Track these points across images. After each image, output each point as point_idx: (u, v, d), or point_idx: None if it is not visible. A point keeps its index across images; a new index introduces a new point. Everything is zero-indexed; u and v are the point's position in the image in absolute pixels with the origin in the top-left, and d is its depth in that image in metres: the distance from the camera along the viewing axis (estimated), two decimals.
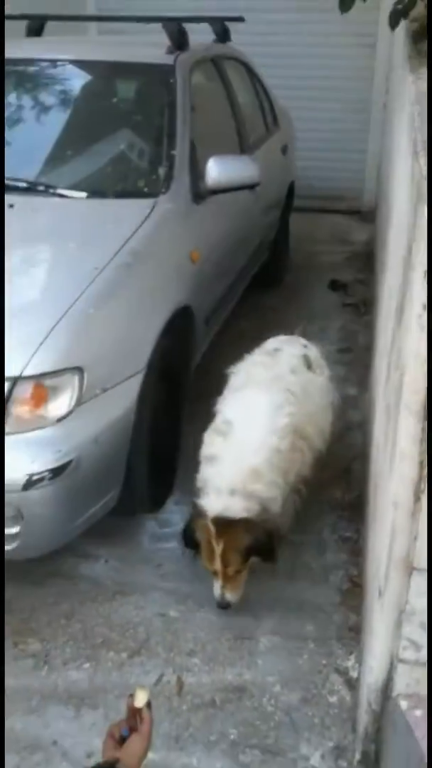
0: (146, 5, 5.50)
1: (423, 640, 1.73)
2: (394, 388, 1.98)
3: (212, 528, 2.43)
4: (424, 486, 1.62)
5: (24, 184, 3.26)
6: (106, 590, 2.74)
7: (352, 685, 2.37)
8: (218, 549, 2.43)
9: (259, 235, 4.63)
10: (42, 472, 2.34)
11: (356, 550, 2.95)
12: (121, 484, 2.76)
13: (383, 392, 2.42)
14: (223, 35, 4.75)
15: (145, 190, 3.32)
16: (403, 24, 2.90)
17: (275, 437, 2.58)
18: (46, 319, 2.49)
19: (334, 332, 4.84)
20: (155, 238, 3.06)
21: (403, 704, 1.79)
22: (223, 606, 2.54)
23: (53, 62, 3.85)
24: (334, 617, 2.65)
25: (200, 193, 3.46)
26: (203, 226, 3.49)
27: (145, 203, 3.19)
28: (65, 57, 3.88)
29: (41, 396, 2.40)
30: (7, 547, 2.43)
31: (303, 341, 3.24)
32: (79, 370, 2.46)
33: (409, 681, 1.80)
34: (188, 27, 3.98)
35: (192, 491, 2.62)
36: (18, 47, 4.09)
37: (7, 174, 3.29)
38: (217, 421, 2.71)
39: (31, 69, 3.85)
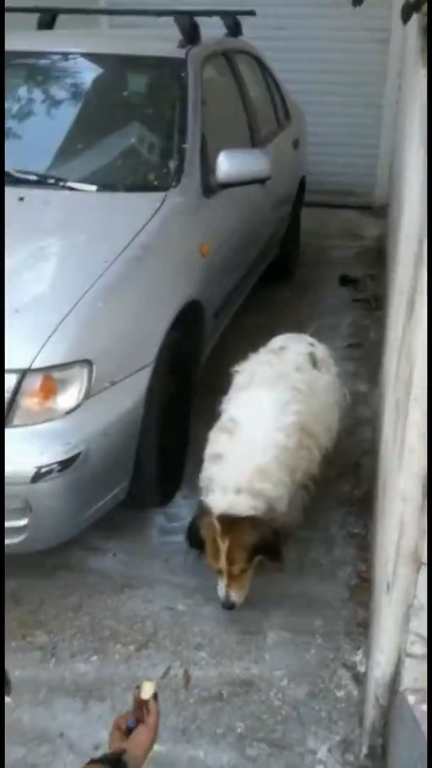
0: None
1: None
2: (404, 382, 1.97)
3: (217, 525, 2.40)
4: None
5: (34, 177, 3.26)
6: (114, 583, 2.74)
7: (360, 679, 2.36)
8: (223, 547, 2.40)
9: (269, 230, 4.62)
10: (51, 465, 2.35)
11: (365, 545, 2.94)
12: (130, 477, 2.76)
13: (393, 387, 2.41)
14: (234, 29, 4.74)
15: (156, 183, 3.32)
16: (415, 18, 2.87)
17: (282, 435, 2.57)
18: (56, 312, 2.49)
19: (344, 328, 4.83)
20: (165, 231, 3.06)
21: (411, 699, 1.79)
22: (228, 606, 2.49)
23: (64, 55, 3.84)
24: (342, 612, 2.65)
25: (211, 186, 3.46)
26: (213, 220, 3.48)
27: (155, 197, 3.18)
28: (76, 50, 3.87)
29: (50, 388, 2.40)
30: (15, 540, 2.44)
31: (310, 339, 3.22)
32: (88, 362, 2.46)
33: (416, 675, 1.79)
34: (200, 21, 3.96)
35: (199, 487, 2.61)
36: (29, 40, 4.10)
37: (18, 167, 3.30)
38: (223, 420, 2.69)
39: (42, 62, 3.85)
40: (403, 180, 3.45)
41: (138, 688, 1.55)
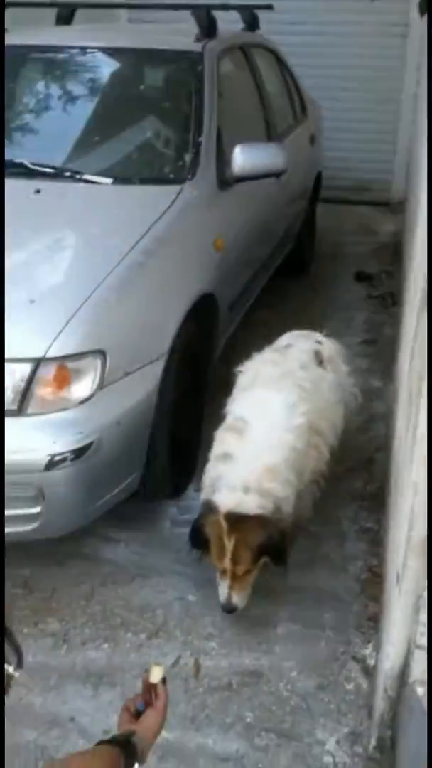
0: None
1: None
2: (417, 374, 1.97)
3: (224, 524, 2.36)
4: None
5: (51, 170, 3.28)
6: (127, 573, 2.76)
7: (369, 672, 2.36)
8: (229, 545, 2.36)
9: (284, 225, 4.62)
10: (64, 453, 2.36)
11: (376, 540, 2.94)
12: (142, 468, 2.78)
13: (407, 380, 2.40)
14: (251, 23, 4.74)
15: (171, 176, 3.33)
16: None
17: (292, 437, 2.54)
18: (70, 303, 2.51)
19: (358, 324, 4.82)
20: (180, 224, 3.07)
21: (420, 690, 1.79)
22: (229, 610, 2.42)
23: (81, 49, 3.86)
24: (352, 606, 2.65)
25: (226, 180, 3.46)
26: (228, 214, 3.49)
27: (170, 190, 3.19)
28: (94, 44, 3.88)
29: (64, 378, 2.42)
30: (28, 527, 2.46)
31: (318, 337, 3.18)
32: (101, 353, 2.47)
33: (425, 667, 1.79)
34: (218, 15, 3.97)
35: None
36: (47, 35, 4.12)
37: (35, 159, 3.31)
38: (229, 420, 2.66)
39: (60, 56, 3.86)
40: (420, 176, 3.44)
41: (147, 672, 1.56)
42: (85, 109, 3.72)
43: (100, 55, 3.88)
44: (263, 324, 4.10)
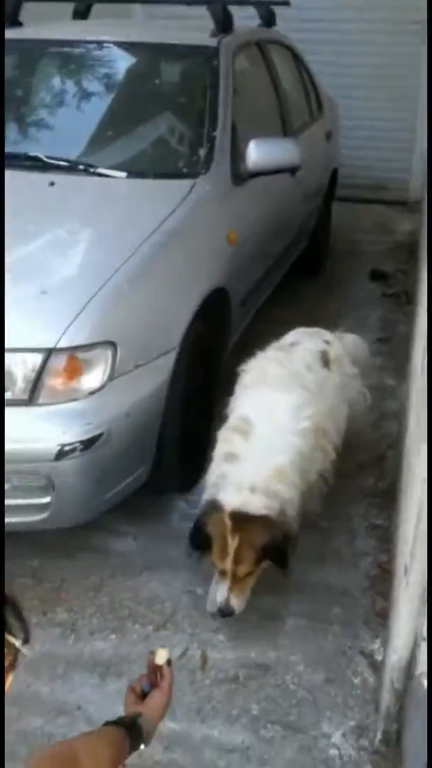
0: None
1: None
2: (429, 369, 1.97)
3: (228, 522, 2.32)
4: None
5: (65, 163, 3.29)
6: (135, 566, 2.76)
7: (377, 667, 2.35)
8: (233, 544, 2.31)
9: (299, 221, 4.61)
10: (73, 443, 2.37)
11: (387, 537, 2.92)
12: (152, 461, 2.78)
13: (420, 376, 2.39)
14: (268, 19, 4.73)
15: (185, 171, 3.33)
16: None
17: (299, 440, 2.51)
18: (82, 294, 2.52)
19: (373, 322, 4.80)
20: (193, 218, 3.07)
21: (425, 683, 1.78)
22: (226, 613, 2.36)
23: (97, 44, 3.87)
24: (361, 602, 2.64)
25: (240, 175, 3.46)
26: (242, 209, 3.49)
27: (184, 184, 3.20)
28: (109, 39, 3.89)
29: (75, 368, 2.42)
30: (38, 517, 2.47)
31: (327, 336, 3.13)
32: (112, 344, 2.48)
33: None
34: (234, 12, 3.96)
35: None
36: (64, 29, 4.14)
37: (50, 153, 3.33)
38: (234, 420, 2.63)
39: (76, 50, 3.88)
40: None
41: (152, 653, 1.57)
42: (100, 104, 3.73)
43: (115, 50, 3.89)
44: (275, 321, 4.09)
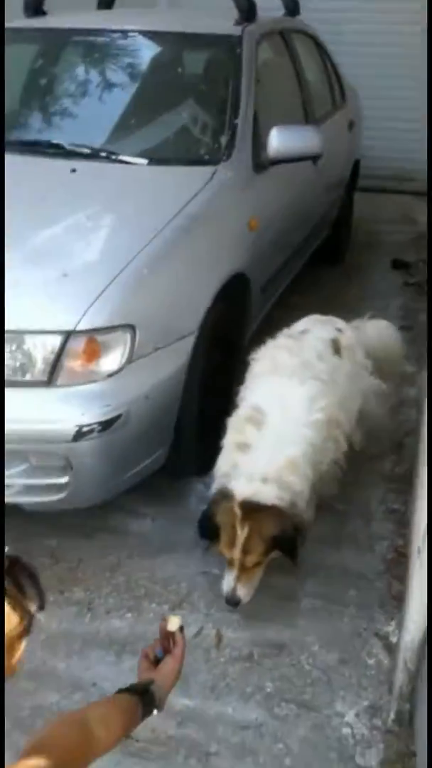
0: None
1: None
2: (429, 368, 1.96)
3: (238, 512, 2.32)
4: None
5: (87, 150, 3.32)
6: (152, 547, 2.79)
7: (391, 649, 2.36)
8: (242, 534, 2.31)
9: (320, 210, 4.60)
10: (91, 425, 2.40)
11: (404, 521, 2.92)
12: (170, 444, 2.81)
13: None
14: (292, 9, 4.73)
15: (206, 158, 3.34)
16: None
17: (311, 432, 2.50)
18: (102, 277, 2.55)
19: (394, 310, 4.78)
20: (213, 204, 3.09)
21: None
22: (233, 603, 2.36)
23: (121, 33, 3.89)
24: (377, 584, 2.64)
25: (261, 162, 3.46)
26: (263, 195, 3.49)
27: (205, 170, 3.21)
28: (133, 28, 3.91)
29: (94, 351, 2.45)
30: (55, 497, 2.51)
31: (339, 324, 3.08)
32: (131, 327, 2.50)
33: None
34: (258, 1, 3.96)
35: None
36: (88, 18, 4.17)
37: (73, 140, 3.36)
38: (246, 409, 2.61)
39: (100, 39, 3.90)
40: None
41: (164, 620, 1.60)
42: (123, 92, 3.75)
43: (139, 39, 3.91)
44: (294, 308, 4.09)
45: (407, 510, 2.94)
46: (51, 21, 4.08)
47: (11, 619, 1.13)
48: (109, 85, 3.74)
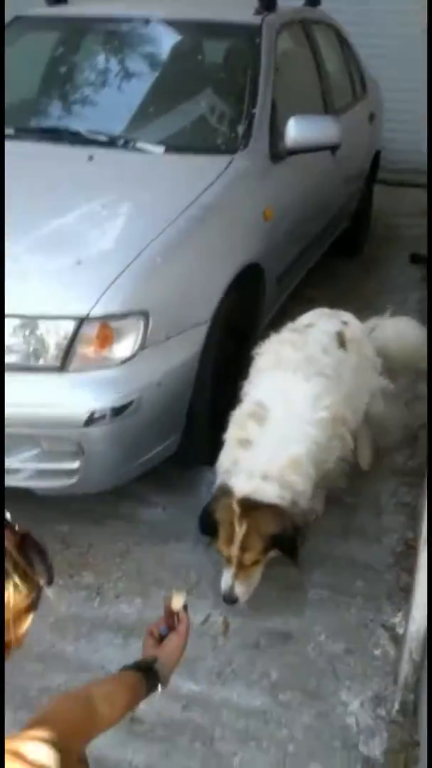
0: None
1: None
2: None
3: (237, 509, 2.28)
4: None
5: (105, 138, 3.33)
6: (162, 534, 2.81)
7: (398, 640, 2.36)
8: (240, 531, 2.27)
9: (339, 202, 4.59)
10: (103, 410, 2.42)
11: (414, 515, 2.91)
12: (181, 431, 2.81)
13: None
14: None
15: (223, 146, 3.35)
16: None
17: (315, 430, 2.44)
18: (116, 265, 2.56)
19: (412, 304, 4.75)
20: (228, 193, 3.09)
21: None
22: (231, 600, 2.33)
23: (141, 21, 3.89)
24: (385, 576, 2.64)
25: (278, 152, 3.46)
26: (279, 185, 3.49)
27: (221, 159, 3.21)
28: (153, 16, 3.91)
29: (107, 337, 2.46)
30: (67, 481, 2.53)
31: (345, 317, 3.01)
32: (144, 314, 2.51)
33: None
34: None
35: None
36: (108, 6, 4.18)
37: (91, 128, 3.37)
38: (249, 404, 2.56)
39: (120, 27, 3.91)
40: None
41: (168, 598, 1.62)
42: (141, 80, 3.76)
43: (159, 27, 3.90)
44: (310, 301, 4.08)
45: (419, 503, 2.94)
46: (72, 9, 4.10)
47: (20, 590, 1.15)
48: (128, 73, 3.75)
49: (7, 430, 2.38)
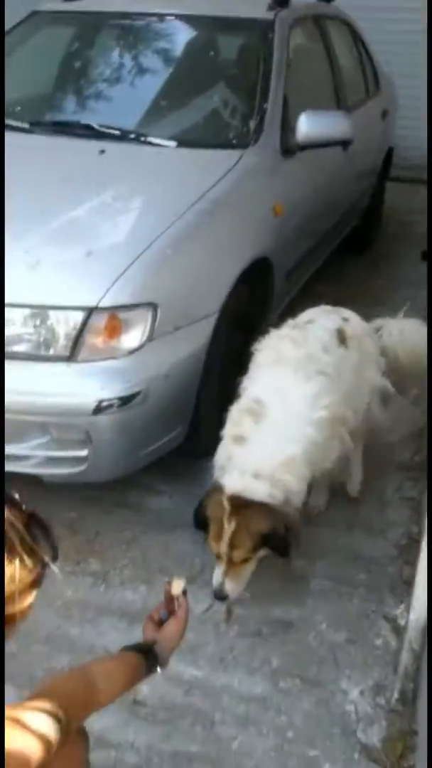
0: None
1: None
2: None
3: (227, 506, 2.25)
4: None
5: (117, 132, 3.36)
6: (169, 523, 2.84)
7: (399, 631, 2.38)
8: (229, 529, 2.25)
9: (350, 199, 4.60)
10: (111, 399, 2.45)
11: (420, 509, 2.93)
12: (188, 422, 2.85)
13: None
14: None
15: (234, 141, 3.38)
16: None
17: (313, 430, 2.39)
18: (126, 256, 2.60)
19: (422, 302, 4.75)
20: (238, 187, 3.11)
21: None
22: (221, 597, 2.31)
23: (155, 16, 3.93)
24: (388, 569, 2.67)
25: (289, 147, 3.48)
26: (290, 181, 3.51)
27: (232, 154, 3.24)
28: (167, 11, 3.94)
29: (115, 327, 2.50)
30: (75, 469, 2.57)
31: (345, 313, 2.94)
32: (153, 306, 2.55)
33: None
34: None
35: None
36: (124, 2, 4.21)
37: (103, 122, 3.41)
38: (247, 401, 2.52)
39: (134, 23, 3.95)
40: None
41: (169, 583, 1.65)
42: (154, 75, 3.79)
43: (172, 22, 3.95)
44: (319, 297, 4.10)
45: (423, 498, 2.96)
46: (87, 4, 4.13)
47: (26, 564, 1.19)
48: (141, 68, 3.78)
49: (17, 417, 2.43)
